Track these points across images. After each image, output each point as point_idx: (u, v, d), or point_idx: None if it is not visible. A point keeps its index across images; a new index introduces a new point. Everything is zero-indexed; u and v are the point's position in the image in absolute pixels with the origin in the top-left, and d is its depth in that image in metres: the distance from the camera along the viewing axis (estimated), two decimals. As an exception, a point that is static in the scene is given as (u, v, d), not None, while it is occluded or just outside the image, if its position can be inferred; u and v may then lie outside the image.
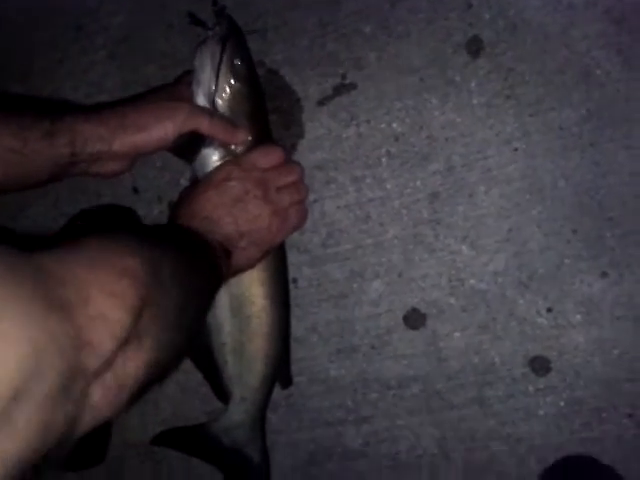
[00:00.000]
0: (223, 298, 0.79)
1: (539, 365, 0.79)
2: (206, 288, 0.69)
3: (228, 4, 0.87)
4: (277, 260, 0.83)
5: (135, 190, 0.95)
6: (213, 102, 0.78)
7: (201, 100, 0.78)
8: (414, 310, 0.83)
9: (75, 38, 0.96)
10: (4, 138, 0.68)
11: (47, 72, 0.98)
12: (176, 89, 0.82)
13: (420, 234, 0.82)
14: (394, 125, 0.82)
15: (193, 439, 0.86)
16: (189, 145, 0.79)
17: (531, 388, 0.79)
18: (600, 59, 0.75)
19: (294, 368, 0.88)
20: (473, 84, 0.79)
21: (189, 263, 0.64)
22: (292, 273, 0.88)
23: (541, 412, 0.79)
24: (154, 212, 0.94)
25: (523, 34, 0.77)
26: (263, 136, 0.82)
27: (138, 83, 0.93)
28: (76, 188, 0.96)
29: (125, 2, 0.93)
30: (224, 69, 0.77)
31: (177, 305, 0.56)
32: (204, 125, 0.75)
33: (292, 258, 0.87)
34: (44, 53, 0.97)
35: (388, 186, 0.83)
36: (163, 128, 0.74)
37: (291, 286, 0.87)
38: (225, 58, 0.77)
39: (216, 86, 0.77)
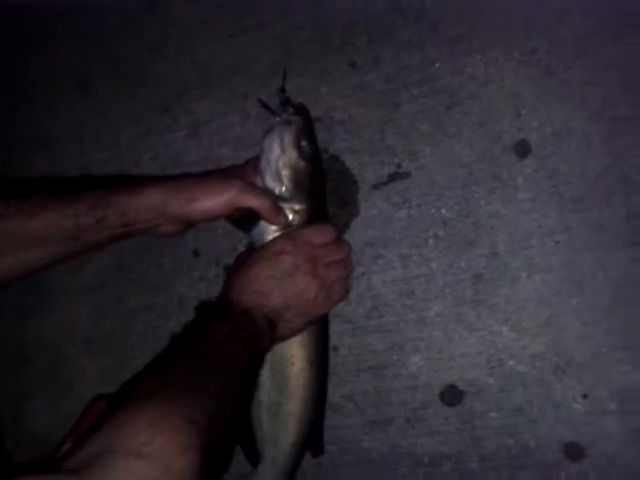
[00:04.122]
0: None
1: (573, 451, 0.72)
2: (248, 379, 0.70)
3: (300, 98, 0.90)
4: (320, 326, 0.80)
5: (195, 253, 0.93)
6: (279, 178, 0.78)
7: (268, 177, 0.78)
8: (452, 387, 0.78)
9: (161, 118, 1.00)
10: (62, 229, 0.71)
11: (132, 143, 1.00)
12: (241, 169, 0.83)
13: (462, 313, 0.78)
14: (443, 211, 0.81)
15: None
16: (247, 218, 0.79)
17: (563, 474, 0.72)
18: (639, 167, 0.74)
19: (326, 436, 0.81)
20: (519, 181, 0.78)
21: (231, 371, 0.65)
22: (334, 341, 0.83)
23: (573, 500, 0.72)
24: (211, 274, 0.92)
25: (568, 140, 0.77)
26: (319, 212, 0.82)
27: (212, 161, 0.95)
28: (140, 246, 0.95)
29: (210, 90, 0.97)
30: (291, 148, 0.78)
31: (224, 411, 0.61)
32: (252, 203, 0.75)
33: (335, 327, 0.83)
34: (131, 126, 1.00)
35: (434, 265, 0.80)
36: (211, 202, 0.74)
37: (332, 353, 0.83)
38: (293, 138, 0.78)
39: (283, 164, 0.78)
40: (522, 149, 0.80)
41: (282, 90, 0.85)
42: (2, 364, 1.03)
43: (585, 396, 0.73)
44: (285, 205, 0.79)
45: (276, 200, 0.78)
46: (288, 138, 0.78)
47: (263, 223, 0.79)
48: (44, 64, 1.09)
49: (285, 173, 0.78)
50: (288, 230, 0.78)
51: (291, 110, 0.82)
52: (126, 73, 1.03)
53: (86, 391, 0.96)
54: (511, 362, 0.76)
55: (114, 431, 0.53)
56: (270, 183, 0.79)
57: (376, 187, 0.86)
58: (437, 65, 0.84)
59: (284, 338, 0.76)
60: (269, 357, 0.75)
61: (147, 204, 0.73)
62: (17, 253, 0.72)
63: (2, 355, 1.04)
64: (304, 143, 0.79)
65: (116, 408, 0.56)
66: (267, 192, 0.78)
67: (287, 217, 0.79)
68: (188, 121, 0.98)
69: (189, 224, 0.80)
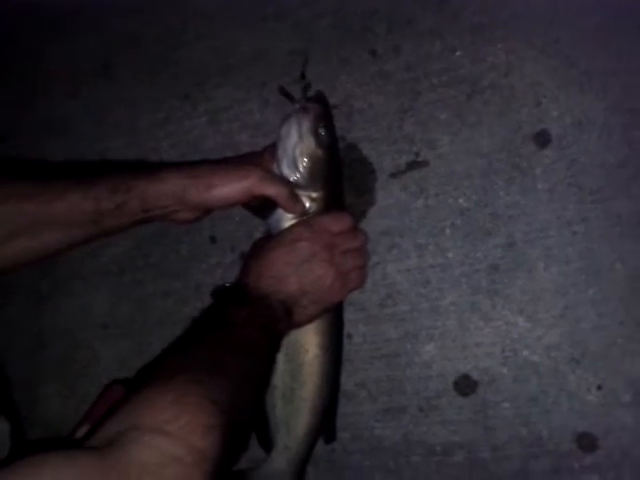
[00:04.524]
0: (280, 341, 0.79)
1: (586, 442, 0.74)
2: (266, 363, 0.73)
3: (319, 86, 0.93)
4: (335, 313, 0.83)
5: (212, 239, 0.97)
6: (296, 166, 0.80)
7: (285, 164, 0.80)
8: (465, 377, 0.80)
9: (181, 105, 1.03)
10: (83, 213, 0.74)
11: (151, 129, 1.04)
12: (259, 157, 0.86)
13: (477, 303, 0.81)
14: (460, 200, 0.84)
15: (232, 485, 0.84)
16: (264, 205, 0.82)
17: (577, 465, 0.75)
18: (658, 158, 0.77)
19: (339, 423, 0.84)
20: (538, 171, 0.81)
21: (250, 353, 0.69)
22: (348, 329, 0.86)
23: (586, 491, 0.75)
24: (227, 260, 0.95)
25: (588, 131, 0.79)
26: (336, 201, 0.84)
27: (230, 148, 0.98)
28: (158, 232, 0.99)
29: (230, 77, 1.00)
30: (308, 136, 0.80)
31: (244, 393, 0.65)
32: (270, 191, 0.77)
33: (349, 314, 0.86)
34: (151, 112, 1.04)
35: (450, 255, 0.83)
36: (229, 189, 0.77)
37: (346, 341, 0.86)
38: (311, 125, 0.80)
39: (300, 151, 0.80)
40: (542, 139, 0.82)
41: (302, 76, 0.87)
42: (18, 348, 1.08)
43: (599, 387, 0.75)
44: (302, 193, 0.81)
45: (293, 188, 0.80)
46: (306, 125, 0.80)
47: (280, 211, 0.81)
48: (66, 50, 1.13)
49: (302, 161, 0.80)
50: (305, 218, 0.81)
51: (310, 97, 0.84)
52: (147, 60, 1.06)
53: (101, 376, 1.00)
54: (525, 352, 0.79)
55: (137, 409, 0.55)
56: (287, 171, 0.81)
57: (394, 176, 0.88)
58: (458, 54, 0.87)
59: (300, 324, 0.78)
60: (284, 343, 0.77)
61: (167, 190, 0.76)
62: (37, 235, 0.75)
63: (19, 339, 1.08)
64: (322, 131, 0.81)
65: (138, 387, 0.58)
66: (285, 180, 0.80)
67: (304, 205, 0.81)
68: (207, 108, 1.01)
69: (206, 211, 0.84)
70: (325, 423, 0.83)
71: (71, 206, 0.74)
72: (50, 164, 1.06)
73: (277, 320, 0.73)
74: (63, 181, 0.75)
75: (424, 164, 0.87)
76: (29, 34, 1.17)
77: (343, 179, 0.87)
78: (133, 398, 0.57)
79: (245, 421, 0.66)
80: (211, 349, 0.66)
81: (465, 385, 0.80)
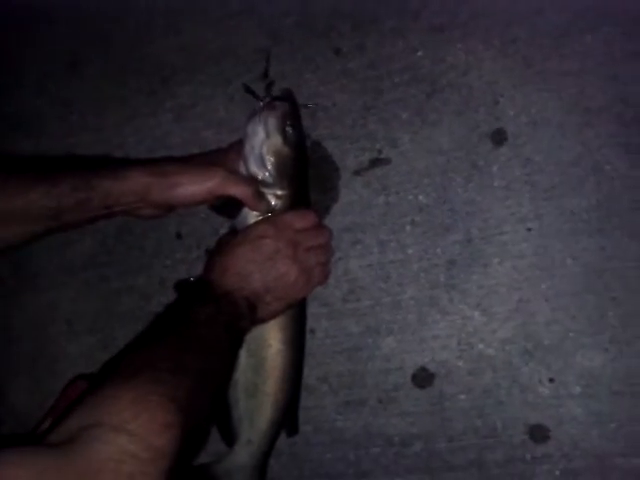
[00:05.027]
0: (242, 337, 0.82)
1: (538, 433, 0.78)
2: (228, 359, 0.76)
3: (284, 84, 0.96)
4: (297, 309, 0.86)
5: (178, 235, 1.00)
6: (262, 164, 0.83)
7: (252, 162, 0.83)
8: (423, 369, 0.84)
9: (146, 101, 1.06)
10: (43, 209, 0.76)
11: (117, 126, 1.06)
12: (224, 154, 0.88)
13: (435, 297, 0.85)
14: (420, 197, 0.87)
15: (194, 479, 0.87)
16: (230, 204, 0.84)
17: (528, 455, 0.79)
18: (610, 156, 0.80)
19: (301, 416, 0.88)
20: (495, 169, 0.85)
21: (211, 352, 0.72)
22: (311, 323, 0.90)
23: (537, 480, 0.79)
24: (192, 256, 0.98)
25: (543, 130, 0.83)
26: (302, 198, 0.87)
27: (196, 145, 1.01)
28: (123, 228, 1.02)
29: (196, 74, 1.03)
30: (275, 133, 0.82)
31: (205, 391, 0.68)
32: (234, 191, 0.80)
33: (313, 309, 0.90)
34: (117, 109, 1.06)
35: (410, 251, 0.87)
36: (193, 189, 0.80)
37: (308, 336, 0.89)
38: (278, 123, 0.82)
39: (267, 149, 0.82)
40: (498, 137, 0.86)
41: (265, 74, 0.90)
42: (-15, 344, 1.10)
43: (551, 380, 0.79)
44: (268, 190, 0.84)
45: (258, 187, 0.83)
46: (273, 123, 0.83)
47: (246, 209, 0.84)
48: (33, 47, 1.16)
49: (269, 159, 0.83)
50: (270, 215, 0.84)
51: (275, 95, 0.87)
52: (114, 57, 1.09)
53: (68, 371, 1.02)
54: (481, 345, 0.83)
55: (98, 407, 0.58)
56: (253, 168, 0.83)
57: (357, 173, 0.92)
58: (419, 53, 0.91)
59: (263, 321, 0.81)
60: (247, 338, 0.80)
61: (130, 188, 0.79)
62: None
63: (-15, 335, 1.11)
64: (289, 128, 0.84)
65: (100, 384, 0.61)
66: (249, 180, 0.83)
67: (269, 203, 0.84)
68: (173, 104, 1.04)
69: (170, 209, 0.86)
70: (287, 417, 0.86)
71: (32, 203, 0.76)
72: (16, 159, 1.08)
73: (240, 317, 0.76)
74: (25, 177, 0.77)
75: (386, 162, 0.91)
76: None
77: (308, 176, 0.90)
78: (95, 394, 0.60)
79: (205, 418, 0.69)
80: (174, 347, 0.68)
81: (423, 378, 0.84)
